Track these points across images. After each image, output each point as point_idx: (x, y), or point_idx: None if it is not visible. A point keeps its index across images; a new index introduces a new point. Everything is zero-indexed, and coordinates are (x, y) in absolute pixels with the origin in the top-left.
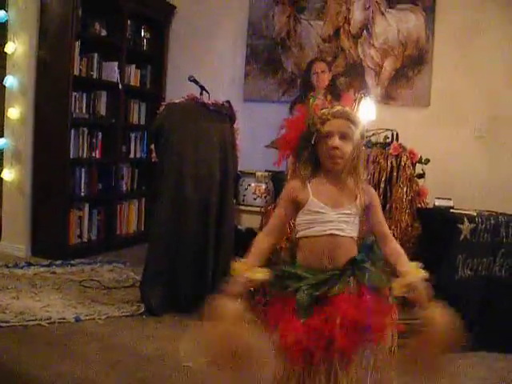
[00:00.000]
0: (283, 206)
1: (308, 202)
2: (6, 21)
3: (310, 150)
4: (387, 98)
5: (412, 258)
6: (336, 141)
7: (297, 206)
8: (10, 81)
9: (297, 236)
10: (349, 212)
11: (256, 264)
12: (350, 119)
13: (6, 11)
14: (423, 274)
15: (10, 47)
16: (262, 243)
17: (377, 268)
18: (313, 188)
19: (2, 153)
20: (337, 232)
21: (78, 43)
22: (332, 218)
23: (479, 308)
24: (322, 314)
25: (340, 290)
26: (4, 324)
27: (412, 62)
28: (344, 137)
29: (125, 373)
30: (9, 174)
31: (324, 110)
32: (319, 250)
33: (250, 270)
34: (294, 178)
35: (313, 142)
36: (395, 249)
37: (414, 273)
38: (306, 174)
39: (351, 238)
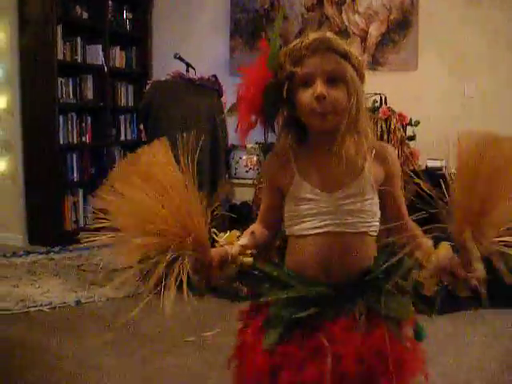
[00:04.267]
0: (266, 193)
1: (292, 185)
2: None
3: (285, 109)
4: (375, 63)
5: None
6: (319, 87)
7: (281, 192)
8: None
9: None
10: (355, 193)
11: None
12: (336, 50)
13: None
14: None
15: None
16: (252, 229)
17: (401, 289)
18: (299, 165)
19: None
20: (338, 228)
21: (59, 28)
22: (329, 206)
23: None
24: (307, 343)
25: (336, 316)
26: (6, 312)
27: (398, 26)
28: (332, 79)
29: (126, 352)
30: (0, 165)
31: (295, 42)
32: (311, 255)
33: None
34: (271, 153)
35: (285, 96)
36: (416, 235)
37: (443, 250)
38: (284, 147)
39: (365, 234)
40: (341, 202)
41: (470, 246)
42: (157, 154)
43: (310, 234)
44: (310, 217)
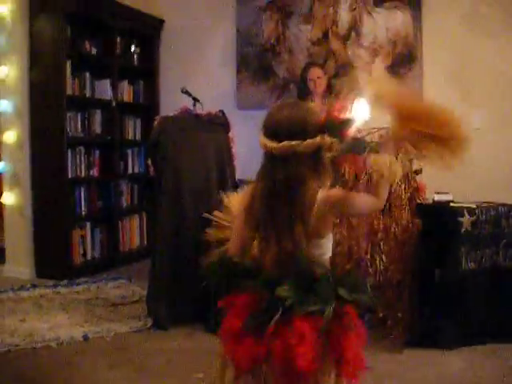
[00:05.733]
0: None
1: None
2: None
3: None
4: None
5: (414, 255)
6: None
7: None
8: (4, 105)
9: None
10: None
11: None
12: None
13: None
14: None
15: (2, 71)
16: None
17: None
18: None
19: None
20: None
21: (69, 63)
22: None
23: (486, 299)
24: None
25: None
26: (13, 348)
27: (402, 60)
28: None
29: None
30: (9, 198)
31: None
32: None
33: None
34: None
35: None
36: None
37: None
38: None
39: None
40: None
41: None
42: None
43: None
44: None
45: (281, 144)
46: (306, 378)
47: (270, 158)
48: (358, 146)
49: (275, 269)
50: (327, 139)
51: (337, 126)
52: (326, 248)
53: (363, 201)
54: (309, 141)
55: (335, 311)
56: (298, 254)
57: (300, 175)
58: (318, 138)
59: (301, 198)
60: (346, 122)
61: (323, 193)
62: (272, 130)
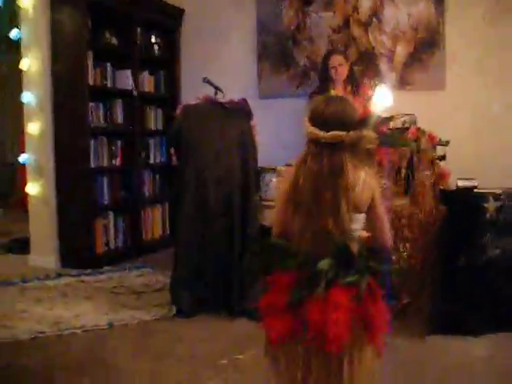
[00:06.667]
0: None
1: None
2: (19, 38)
3: None
4: (403, 83)
5: (438, 241)
6: None
7: None
8: (27, 97)
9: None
10: None
11: None
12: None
13: (19, 29)
14: None
15: (24, 64)
16: None
17: None
18: None
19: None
20: None
21: (90, 54)
22: None
23: (510, 285)
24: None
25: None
26: (40, 335)
27: (425, 46)
28: None
29: (160, 376)
30: (33, 188)
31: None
32: None
33: None
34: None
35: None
36: None
37: None
38: None
39: None
40: None
41: None
42: None
43: None
44: None
45: (330, 133)
46: (338, 344)
47: (317, 144)
48: (391, 141)
49: (314, 247)
50: (368, 132)
51: (375, 122)
52: (361, 223)
53: (384, 220)
54: (352, 132)
55: (368, 282)
56: (340, 230)
57: (343, 161)
58: (360, 131)
59: (343, 180)
60: (383, 120)
61: (371, 177)
62: (321, 121)
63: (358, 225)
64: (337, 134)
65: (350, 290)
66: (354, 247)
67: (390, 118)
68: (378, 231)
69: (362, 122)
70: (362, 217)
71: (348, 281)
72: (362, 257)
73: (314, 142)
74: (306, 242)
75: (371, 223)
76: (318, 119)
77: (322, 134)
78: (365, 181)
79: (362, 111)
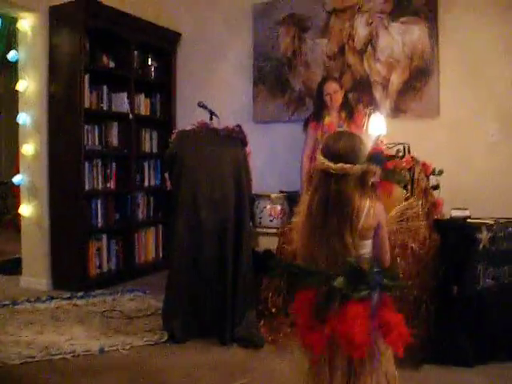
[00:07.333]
0: None
1: None
2: (17, 60)
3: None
4: (397, 110)
5: (432, 271)
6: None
7: None
8: (22, 118)
9: None
10: None
11: None
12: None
13: (17, 51)
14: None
15: (21, 85)
16: None
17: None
18: None
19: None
20: None
21: (87, 77)
22: None
23: (504, 316)
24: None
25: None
26: (30, 359)
27: (419, 74)
28: None
29: None
30: (26, 210)
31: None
32: None
33: None
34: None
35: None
36: None
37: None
38: None
39: None
40: None
41: None
42: None
43: None
44: None
45: (338, 165)
46: (362, 349)
47: (326, 174)
48: (394, 176)
49: (328, 266)
50: (372, 167)
51: (380, 158)
52: (369, 247)
53: (386, 242)
54: (358, 165)
55: (379, 296)
56: (347, 254)
57: (348, 191)
58: (366, 165)
59: (348, 209)
60: (388, 157)
61: (376, 206)
62: (331, 154)
63: (365, 250)
64: (344, 167)
65: (364, 303)
66: (364, 266)
67: (395, 156)
68: (380, 251)
69: (370, 157)
70: (369, 243)
71: (361, 295)
72: (372, 275)
73: (324, 171)
74: (321, 262)
75: (374, 243)
76: (329, 151)
77: (330, 164)
78: (370, 209)
79: (372, 148)
